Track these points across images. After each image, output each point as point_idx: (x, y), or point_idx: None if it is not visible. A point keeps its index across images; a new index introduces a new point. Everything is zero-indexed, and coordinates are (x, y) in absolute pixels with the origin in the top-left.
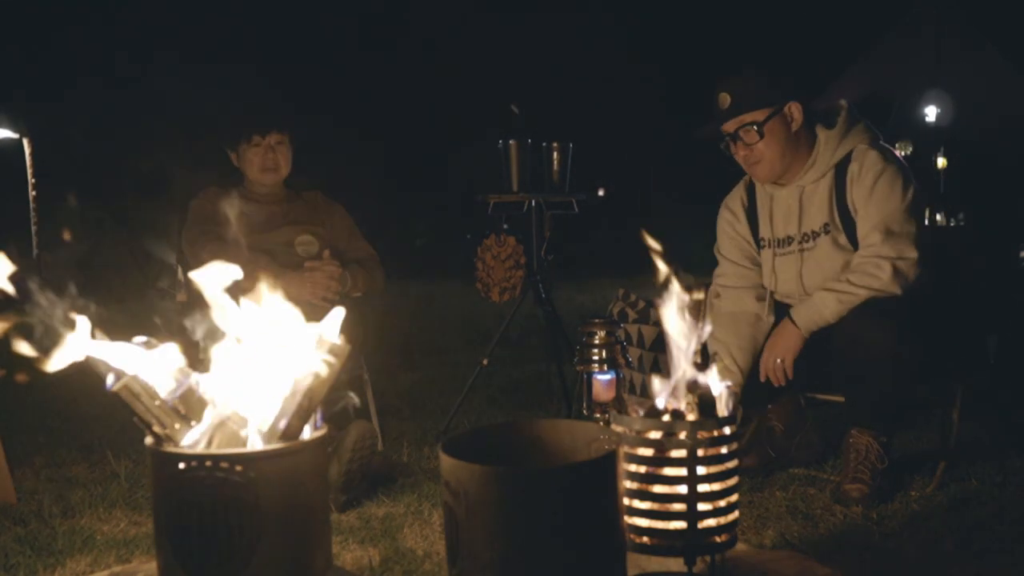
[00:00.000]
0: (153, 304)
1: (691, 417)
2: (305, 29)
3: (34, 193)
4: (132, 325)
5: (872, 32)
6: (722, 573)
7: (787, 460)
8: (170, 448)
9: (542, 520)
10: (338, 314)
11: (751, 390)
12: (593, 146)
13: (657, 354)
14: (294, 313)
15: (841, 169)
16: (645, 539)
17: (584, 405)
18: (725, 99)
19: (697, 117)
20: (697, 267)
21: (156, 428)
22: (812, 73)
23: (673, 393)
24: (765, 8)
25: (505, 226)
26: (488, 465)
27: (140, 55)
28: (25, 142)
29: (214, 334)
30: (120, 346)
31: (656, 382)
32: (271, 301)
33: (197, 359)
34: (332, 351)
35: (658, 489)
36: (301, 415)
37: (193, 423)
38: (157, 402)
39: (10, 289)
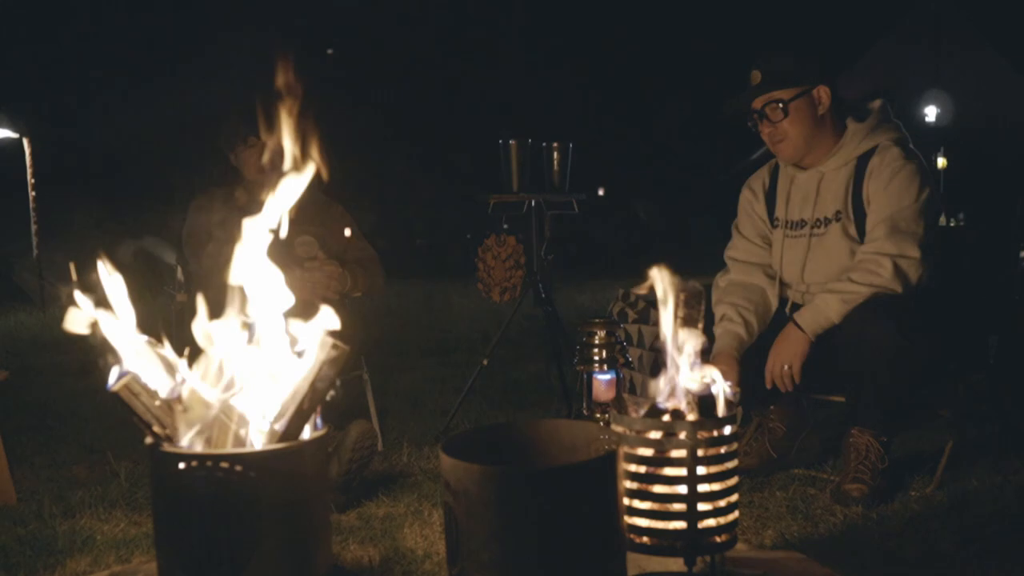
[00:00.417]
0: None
1: (691, 417)
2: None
3: (34, 193)
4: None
5: (872, 32)
6: (722, 573)
7: (787, 460)
8: (170, 448)
9: (542, 520)
10: (331, 318)
11: (753, 390)
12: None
13: (657, 354)
14: (295, 312)
15: (863, 161)
16: (645, 539)
17: (584, 405)
18: (756, 76)
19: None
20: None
21: (156, 428)
22: None
23: (672, 393)
24: (765, 9)
25: (505, 226)
26: (488, 465)
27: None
28: (25, 142)
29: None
30: (123, 332)
31: (654, 383)
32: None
33: (197, 359)
34: (332, 351)
35: (658, 489)
36: (301, 415)
37: (193, 423)
38: (157, 402)
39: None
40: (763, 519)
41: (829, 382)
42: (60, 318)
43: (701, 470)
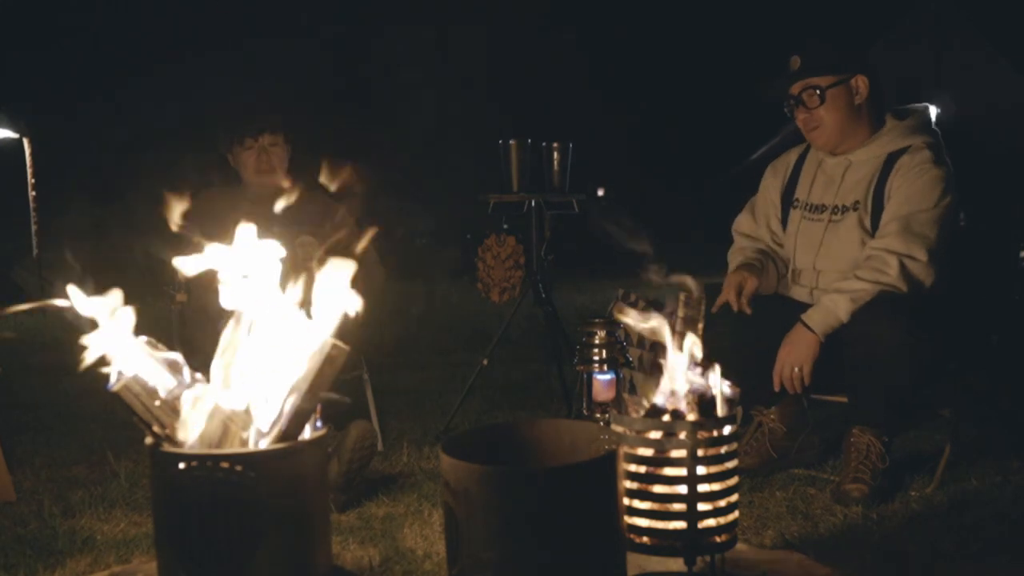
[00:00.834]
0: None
1: (691, 417)
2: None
3: (34, 193)
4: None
5: (872, 32)
6: (722, 573)
7: (787, 460)
8: (170, 448)
9: (542, 520)
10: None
11: (756, 390)
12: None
13: (657, 354)
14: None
15: (893, 157)
16: (645, 539)
17: (584, 405)
18: (796, 62)
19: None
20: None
21: (156, 428)
22: None
23: (672, 393)
24: (766, 9)
25: (505, 226)
26: (488, 465)
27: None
28: (25, 142)
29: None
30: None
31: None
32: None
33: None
34: (332, 351)
35: (658, 489)
36: (301, 415)
37: (193, 423)
38: (157, 402)
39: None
40: (763, 519)
41: (830, 382)
42: (60, 318)
43: (701, 470)
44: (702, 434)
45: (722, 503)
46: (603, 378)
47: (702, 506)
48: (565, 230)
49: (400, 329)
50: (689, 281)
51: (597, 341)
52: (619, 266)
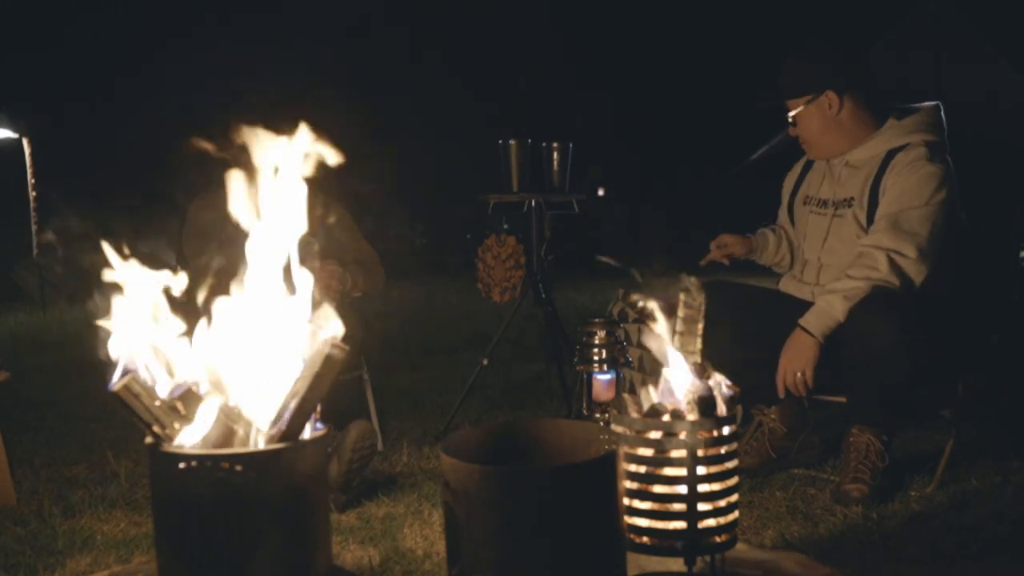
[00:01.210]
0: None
1: (691, 417)
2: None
3: (34, 193)
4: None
5: (872, 32)
6: (722, 573)
7: (787, 460)
8: (170, 448)
9: (542, 520)
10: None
11: (756, 389)
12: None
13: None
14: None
15: (891, 155)
16: (645, 539)
17: (584, 405)
18: (780, 79)
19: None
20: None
21: (156, 428)
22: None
23: (672, 393)
24: (766, 9)
25: (505, 226)
26: (488, 465)
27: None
28: (25, 142)
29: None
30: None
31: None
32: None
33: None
34: (332, 351)
35: (658, 489)
36: (301, 415)
37: (193, 423)
38: (157, 402)
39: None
40: (763, 519)
41: (830, 382)
42: (60, 318)
43: (701, 470)
44: (702, 434)
45: (722, 503)
46: (603, 378)
47: (702, 506)
48: (565, 230)
49: (400, 329)
50: (689, 281)
51: (597, 341)
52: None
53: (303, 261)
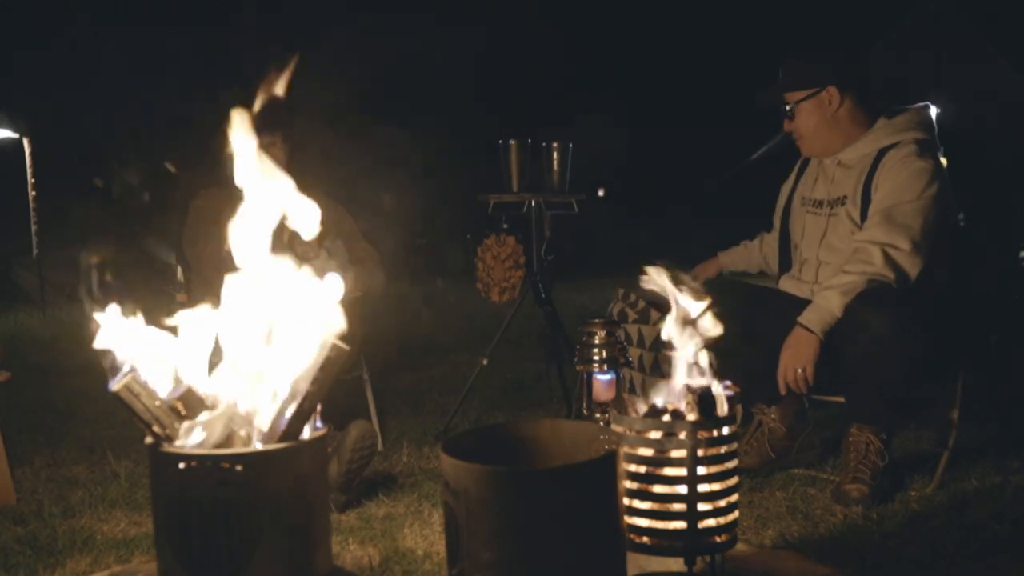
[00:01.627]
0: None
1: (691, 417)
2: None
3: (34, 193)
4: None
5: (872, 32)
6: (722, 573)
7: (787, 460)
8: (170, 448)
9: (542, 520)
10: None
11: (756, 388)
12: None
13: (657, 354)
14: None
15: (882, 153)
16: (645, 539)
17: (584, 405)
18: (780, 75)
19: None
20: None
21: (156, 428)
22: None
23: (672, 393)
24: (766, 9)
25: (505, 226)
26: (488, 465)
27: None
28: (25, 142)
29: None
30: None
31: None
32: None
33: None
34: (332, 351)
35: (658, 489)
36: (301, 415)
37: (193, 423)
38: (157, 402)
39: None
40: (763, 519)
41: (830, 382)
42: (60, 318)
43: (701, 470)
44: (702, 434)
45: (722, 503)
46: (603, 378)
47: (702, 506)
48: (565, 230)
49: (400, 329)
50: (689, 281)
51: (597, 341)
52: (619, 266)
53: (304, 260)
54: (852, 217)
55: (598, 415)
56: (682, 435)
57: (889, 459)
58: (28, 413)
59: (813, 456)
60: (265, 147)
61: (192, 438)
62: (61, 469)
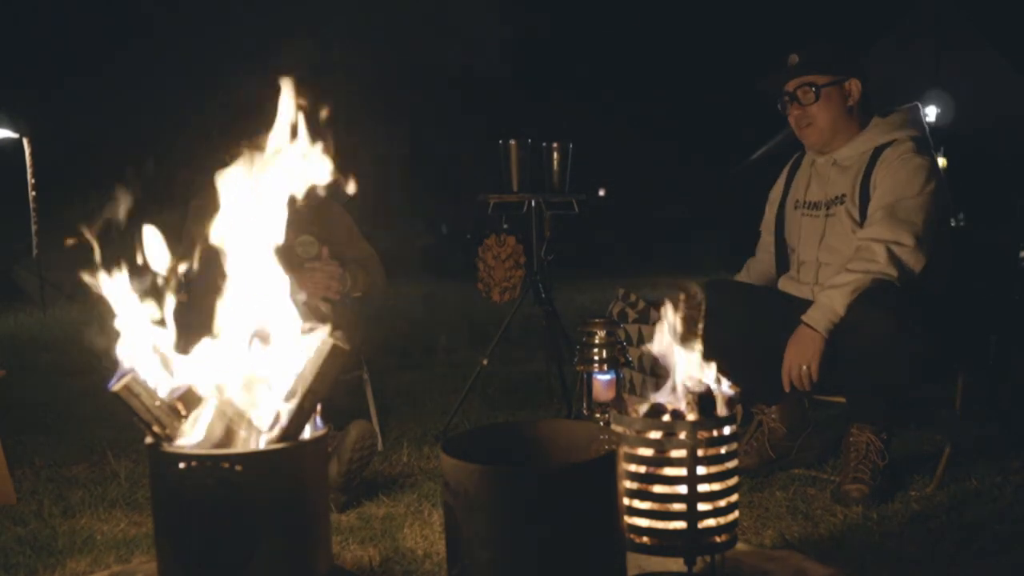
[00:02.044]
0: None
1: (691, 417)
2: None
3: (34, 193)
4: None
5: (872, 32)
6: (722, 573)
7: (787, 460)
8: (170, 448)
9: (542, 520)
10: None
11: (757, 388)
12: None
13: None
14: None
15: (878, 152)
16: (645, 539)
17: (584, 405)
18: (794, 59)
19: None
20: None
21: (156, 428)
22: None
23: (672, 393)
24: (766, 9)
25: (505, 226)
26: (488, 465)
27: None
28: (25, 142)
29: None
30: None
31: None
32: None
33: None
34: (332, 351)
35: (658, 489)
36: (301, 415)
37: (193, 423)
38: (157, 402)
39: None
40: (763, 519)
41: (830, 382)
42: (60, 318)
43: (701, 470)
44: (702, 434)
45: (722, 503)
46: (603, 378)
47: (702, 506)
48: (565, 230)
49: (400, 329)
50: (689, 281)
51: (597, 341)
52: (619, 266)
53: (305, 262)
54: (852, 216)
55: (598, 415)
56: (682, 435)
57: (889, 459)
58: (28, 413)
59: (813, 456)
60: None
61: (192, 438)
62: (61, 469)
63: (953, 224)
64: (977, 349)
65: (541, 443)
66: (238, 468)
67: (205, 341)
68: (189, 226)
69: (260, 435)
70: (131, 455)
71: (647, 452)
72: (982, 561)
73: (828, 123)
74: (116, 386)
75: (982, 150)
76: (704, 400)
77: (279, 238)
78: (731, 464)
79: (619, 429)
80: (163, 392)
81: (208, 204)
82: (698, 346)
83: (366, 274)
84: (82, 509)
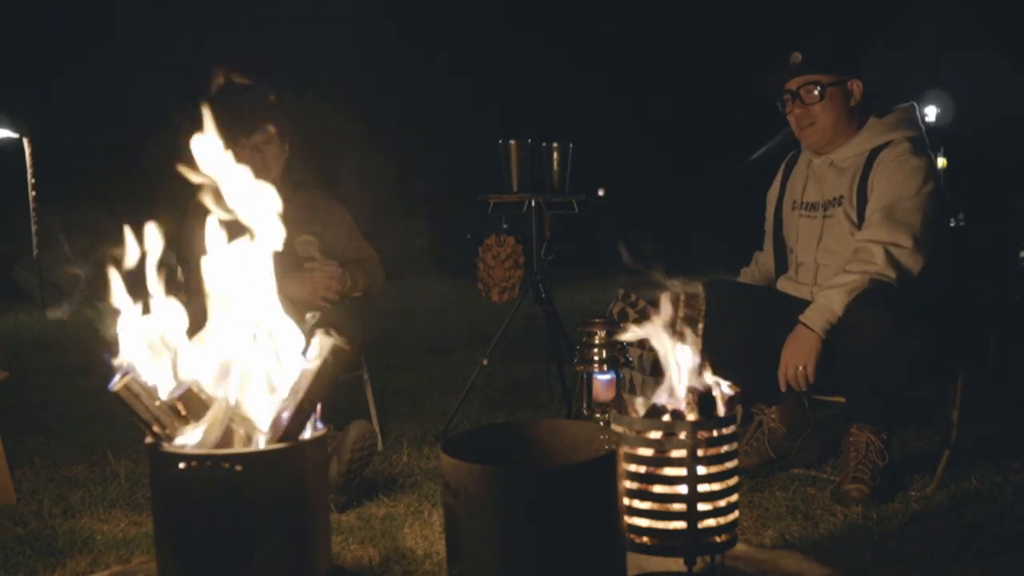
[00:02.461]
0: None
1: (691, 417)
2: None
3: (34, 193)
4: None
5: (872, 32)
6: (722, 573)
7: (787, 460)
8: (170, 448)
9: (542, 520)
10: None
11: (756, 388)
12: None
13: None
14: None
15: (875, 153)
16: (645, 539)
17: (584, 405)
18: (797, 57)
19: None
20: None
21: (156, 428)
22: None
23: (672, 393)
24: (766, 9)
25: (505, 226)
26: (488, 465)
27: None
28: (25, 142)
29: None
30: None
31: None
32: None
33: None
34: (332, 351)
35: (658, 489)
36: (301, 415)
37: (193, 423)
38: (157, 402)
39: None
40: (763, 519)
41: (830, 382)
42: (60, 318)
43: (701, 470)
44: (702, 434)
45: (722, 503)
46: (603, 378)
47: (702, 506)
48: (565, 230)
49: (400, 329)
50: (689, 281)
51: (597, 341)
52: (619, 266)
53: (304, 262)
54: (850, 217)
55: (598, 415)
56: (682, 435)
57: (889, 459)
58: (28, 413)
59: (813, 456)
60: (259, 145)
61: (192, 438)
62: (61, 469)
63: (953, 224)
64: (977, 349)
65: (541, 443)
66: (238, 468)
67: (205, 341)
68: (188, 226)
69: (260, 435)
70: (131, 455)
71: (647, 452)
72: (982, 561)
73: (830, 123)
74: (116, 386)
75: (982, 150)
76: (704, 400)
77: (279, 239)
78: (731, 464)
79: (619, 429)
80: (163, 392)
81: (204, 206)
82: (697, 345)
83: (366, 274)
84: (82, 509)
